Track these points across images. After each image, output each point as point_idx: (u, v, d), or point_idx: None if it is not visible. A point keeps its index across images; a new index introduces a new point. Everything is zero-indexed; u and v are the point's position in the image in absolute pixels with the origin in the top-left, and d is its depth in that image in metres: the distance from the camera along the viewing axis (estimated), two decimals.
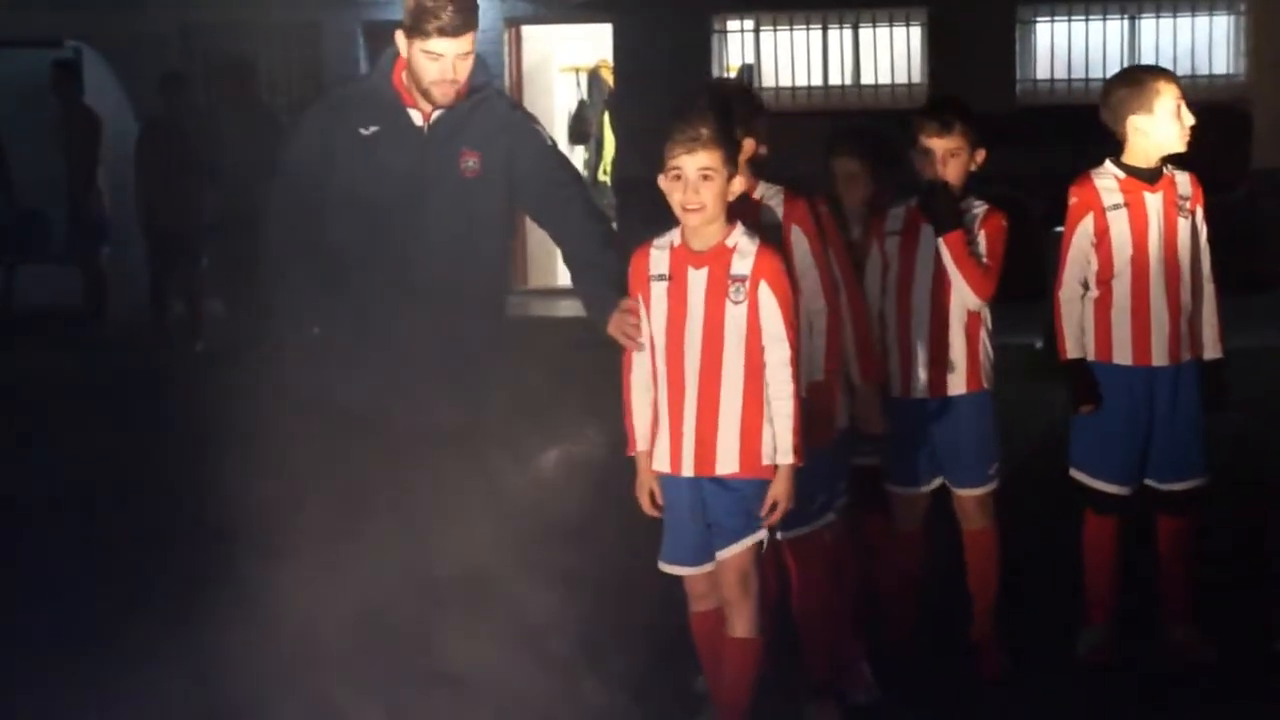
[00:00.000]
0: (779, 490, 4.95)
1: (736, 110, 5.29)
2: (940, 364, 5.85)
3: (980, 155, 5.84)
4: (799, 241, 5.34)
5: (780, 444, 4.95)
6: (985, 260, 5.78)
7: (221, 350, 13.07)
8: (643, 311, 5.07)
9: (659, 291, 5.04)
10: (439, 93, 5.26)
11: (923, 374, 5.86)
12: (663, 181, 4.97)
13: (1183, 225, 5.92)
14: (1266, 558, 7.06)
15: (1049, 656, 6.05)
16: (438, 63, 5.21)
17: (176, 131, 13.63)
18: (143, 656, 5.79)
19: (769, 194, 5.39)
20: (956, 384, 5.86)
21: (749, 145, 5.32)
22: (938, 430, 5.90)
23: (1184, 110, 5.91)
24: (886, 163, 6.03)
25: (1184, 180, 5.98)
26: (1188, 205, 5.93)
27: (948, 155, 5.78)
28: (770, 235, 5.23)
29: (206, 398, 9.98)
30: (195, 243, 13.70)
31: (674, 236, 5.06)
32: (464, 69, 5.25)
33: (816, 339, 5.34)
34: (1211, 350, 5.99)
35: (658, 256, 5.07)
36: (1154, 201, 5.92)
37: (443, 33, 5.17)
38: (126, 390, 12.12)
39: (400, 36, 5.26)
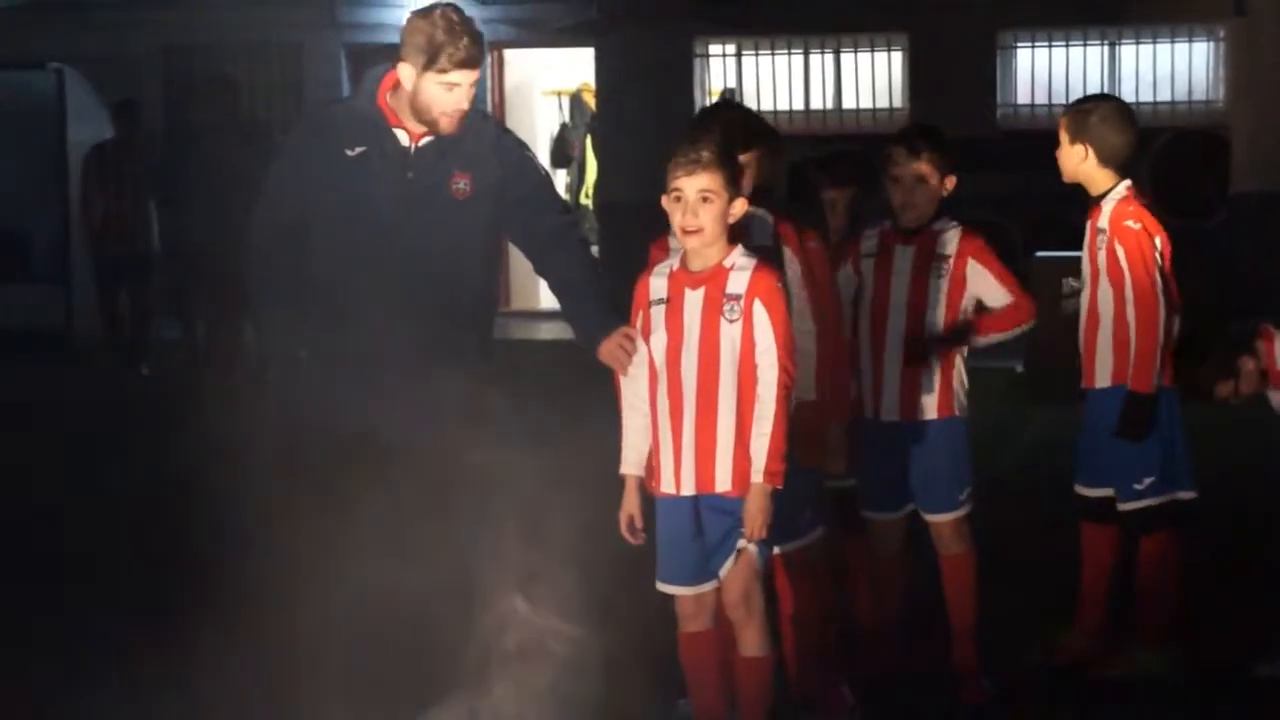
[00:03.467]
0: (750, 508, 4.97)
1: (744, 131, 5.39)
2: (912, 388, 5.87)
3: (950, 182, 5.88)
4: (789, 263, 5.39)
5: (755, 463, 4.98)
6: (998, 285, 5.81)
7: (170, 374, 13.10)
8: (639, 338, 5.13)
9: (658, 315, 5.09)
10: (447, 123, 5.30)
11: (894, 397, 5.88)
12: (665, 202, 5.02)
13: (1099, 257, 6.02)
14: (1240, 580, 7.10)
15: (1030, 678, 6.06)
16: (453, 93, 5.25)
17: (126, 155, 13.66)
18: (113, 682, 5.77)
19: (757, 216, 5.44)
20: (928, 408, 5.88)
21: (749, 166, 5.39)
22: (909, 455, 5.91)
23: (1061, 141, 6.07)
24: (867, 190, 6.11)
25: (1107, 209, 6.01)
26: (1104, 239, 5.99)
27: (916, 181, 5.83)
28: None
29: (186, 420, 10.06)
30: (143, 266, 13.71)
31: (674, 262, 5.12)
32: (472, 99, 5.32)
33: (806, 360, 5.37)
34: (1132, 380, 5.96)
35: (657, 283, 5.13)
36: (1089, 227, 6.09)
37: (462, 65, 5.22)
38: (90, 413, 12.13)
39: (406, 68, 5.27)
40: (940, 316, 5.83)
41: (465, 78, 5.26)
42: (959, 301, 5.86)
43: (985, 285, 5.84)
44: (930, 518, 5.96)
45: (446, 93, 5.25)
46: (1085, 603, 6.20)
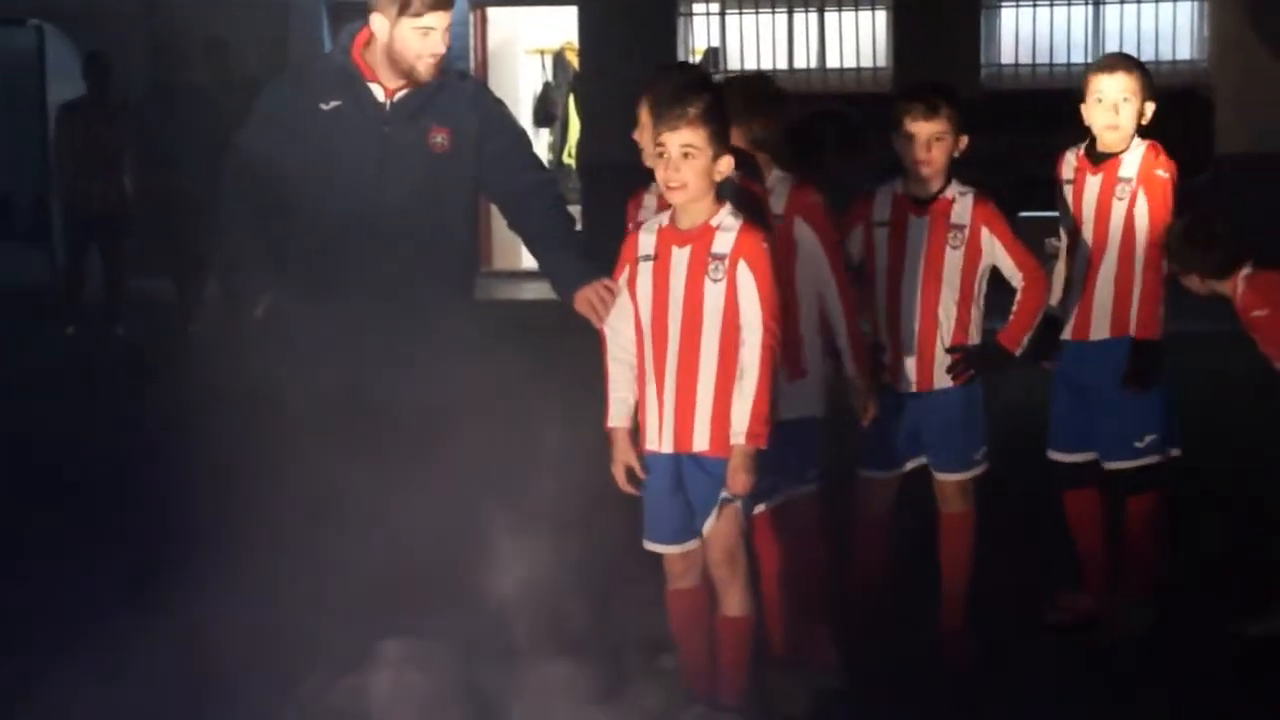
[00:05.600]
0: (733, 466, 4.99)
1: (754, 99, 5.51)
2: (928, 357, 5.84)
3: (963, 141, 5.83)
4: (804, 233, 5.42)
5: (736, 424, 4.99)
6: (1007, 257, 5.77)
7: (149, 333, 13.09)
8: (625, 292, 5.14)
9: (645, 271, 5.10)
10: (424, 68, 5.32)
11: (912, 369, 5.85)
12: (653, 160, 5.03)
13: (1117, 207, 6.03)
14: (1203, 535, 7.14)
15: (1015, 641, 6.07)
16: (428, 37, 5.28)
17: (97, 112, 13.60)
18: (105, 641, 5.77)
19: (777, 180, 5.45)
20: (945, 377, 5.85)
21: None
22: (924, 420, 5.89)
23: (1105, 100, 6.02)
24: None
25: (1132, 161, 6.04)
26: (1128, 188, 6.01)
27: (933, 140, 5.76)
28: (778, 222, 5.35)
29: (158, 379, 10.06)
30: (114, 225, 13.66)
31: (663, 219, 5.12)
32: (447, 42, 5.34)
33: (836, 322, 5.50)
34: (1138, 329, 6.02)
35: (646, 239, 5.13)
36: (1093, 183, 6.08)
37: (435, 6, 5.26)
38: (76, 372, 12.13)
39: (379, 19, 5.29)
40: (958, 288, 5.79)
41: (439, 20, 5.28)
42: (976, 270, 5.82)
43: (998, 256, 5.80)
44: (941, 476, 5.94)
45: (422, 38, 5.28)
46: (1088, 566, 6.22)
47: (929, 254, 5.80)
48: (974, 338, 5.86)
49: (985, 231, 5.78)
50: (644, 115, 5.49)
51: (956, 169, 5.91)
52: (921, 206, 5.83)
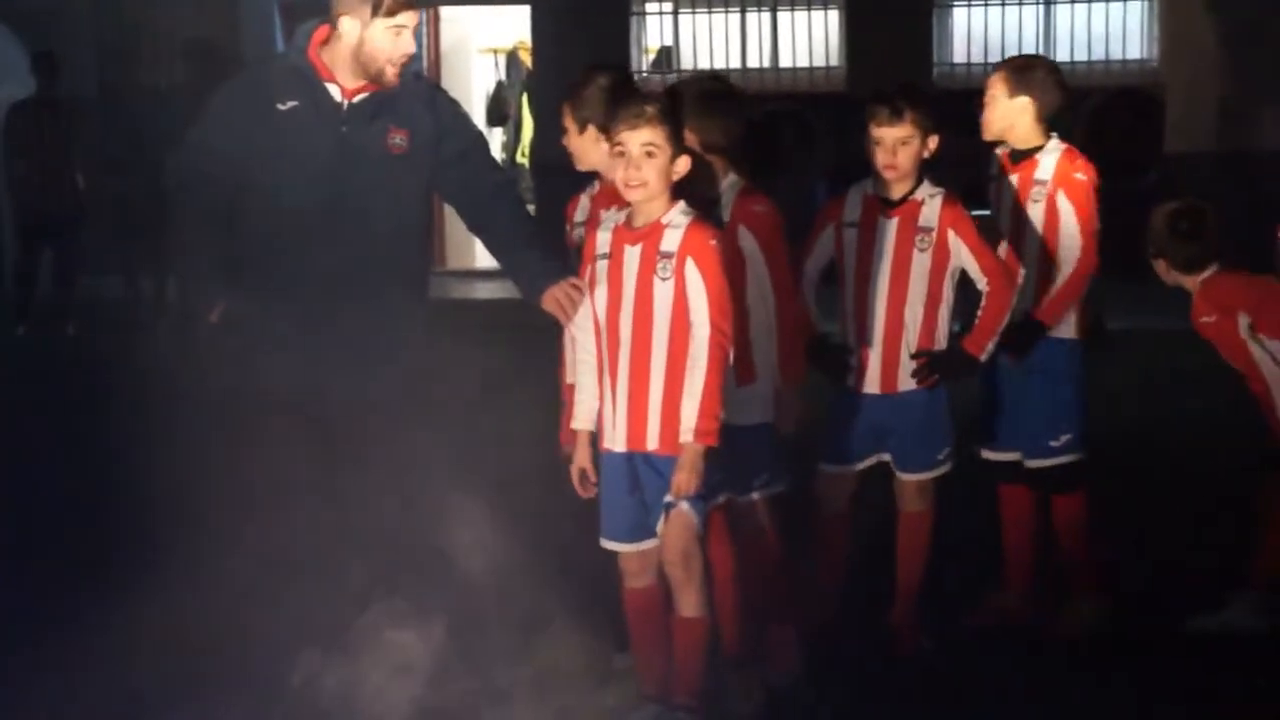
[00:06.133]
0: (679, 464, 4.98)
1: (709, 100, 5.44)
2: (893, 359, 5.84)
3: (933, 142, 5.81)
4: (748, 243, 5.41)
5: (684, 422, 4.98)
6: (973, 260, 5.75)
7: (100, 332, 13.03)
8: (587, 290, 5.13)
9: (600, 270, 5.10)
10: (393, 71, 5.34)
11: (876, 371, 5.85)
12: (610, 161, 5.02)
13: (1032, 209, 6.04)
14: (1161, 532, 7.15)
15: (965, 638, 6.09)
16: (400, 36, 5.29)
17: (48, 111, 13.55)
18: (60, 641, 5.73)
19: (728, 186, 5.45)
20: (910, 379, 5.85)
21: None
22: (888, 420, 5.89)
23: (987, 97, 6.10)
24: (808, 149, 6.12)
25: (1048, 164, 6.04)
26: (1044, 190, 6.02)
27: (898, 144, 5.75)
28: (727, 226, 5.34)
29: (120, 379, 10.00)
30: (67, 224, 13.60)
31: (619, 217, 5.11)
32: (413, 42, 5.33)
33: (768, 335, 5.45)
34: (1041, 314, 6.01)
35: (602, 238, 5.14)
36: (1009, 182, 6.11)
37: (409, 5, 5.28)
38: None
39: (348, 21, 5.26)
40: (925, 290, 5.79)
41: (411, 19, 5.32)
42: (943, 273, 5.80)
43: (964, 259, 5.80)
44: (902, 476, 5.95)
45: (395, 38, 5.29)
46: (1012, 564, 6.24)
47: (896, 256, 5.79)
48: (941, 341, 5.85)
49: (952, 234, 5.77)
50: (569, 120, 5.50)
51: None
52: (890, 208, 5.83)
